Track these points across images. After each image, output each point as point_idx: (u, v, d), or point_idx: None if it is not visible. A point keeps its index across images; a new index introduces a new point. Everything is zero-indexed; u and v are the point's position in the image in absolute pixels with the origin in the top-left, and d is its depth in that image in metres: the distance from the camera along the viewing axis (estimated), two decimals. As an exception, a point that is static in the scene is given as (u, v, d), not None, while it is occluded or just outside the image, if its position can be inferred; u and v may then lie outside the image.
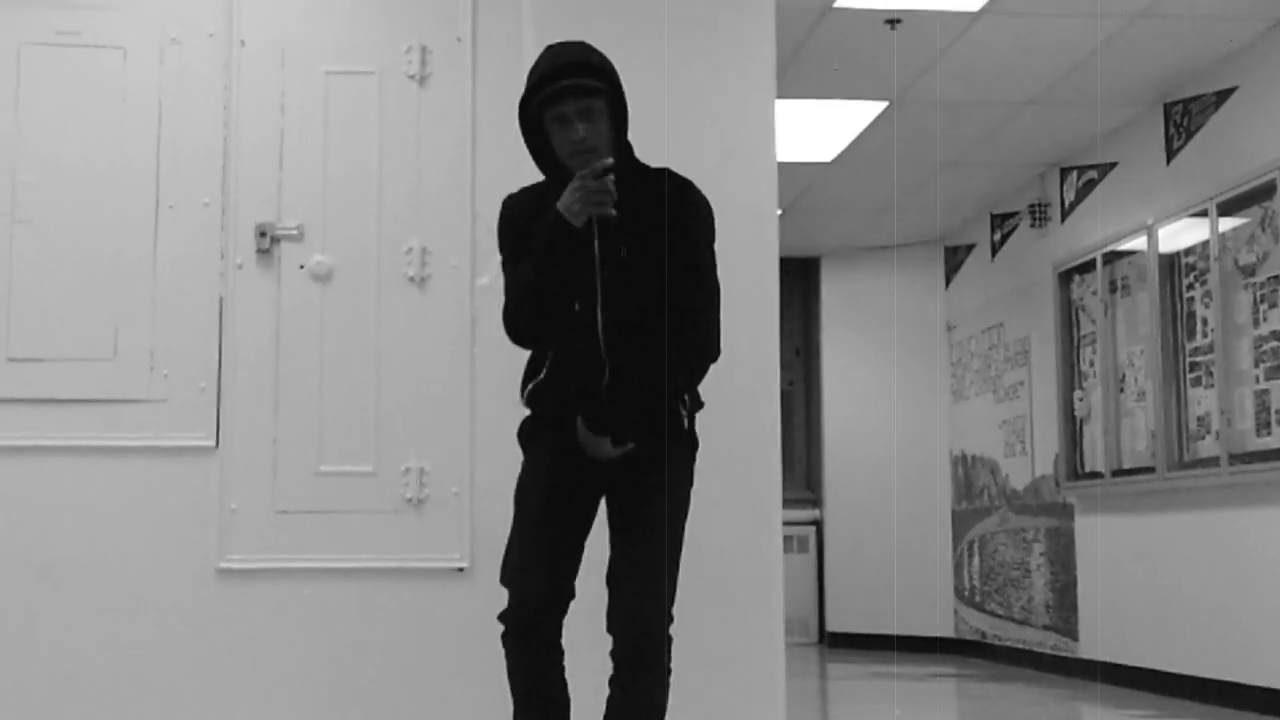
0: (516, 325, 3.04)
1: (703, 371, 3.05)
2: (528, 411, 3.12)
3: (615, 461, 2.97)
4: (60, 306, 4.38)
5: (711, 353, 3.04)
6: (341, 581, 4.36)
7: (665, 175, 3.04)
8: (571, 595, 2.99)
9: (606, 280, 2.96)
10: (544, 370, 3.04)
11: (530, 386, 3.06)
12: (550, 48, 3.01)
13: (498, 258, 3.17)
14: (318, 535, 4.36)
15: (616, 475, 2.99)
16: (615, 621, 2.91)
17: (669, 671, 2.93)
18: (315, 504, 4.38)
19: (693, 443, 3.07)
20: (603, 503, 3.07)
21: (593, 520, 3.05)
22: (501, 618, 2.99)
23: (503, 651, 2.99)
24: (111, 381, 4.38)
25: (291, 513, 4.38)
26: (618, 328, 2.96)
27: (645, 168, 3.05)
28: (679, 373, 2.98)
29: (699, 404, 3.08)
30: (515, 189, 3.18)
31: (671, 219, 2.97)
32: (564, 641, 3.01)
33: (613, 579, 2.95)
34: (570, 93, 2.90)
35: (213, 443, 4.38)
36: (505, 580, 3.01)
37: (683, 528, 3.01)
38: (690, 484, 3.06)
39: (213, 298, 4.43)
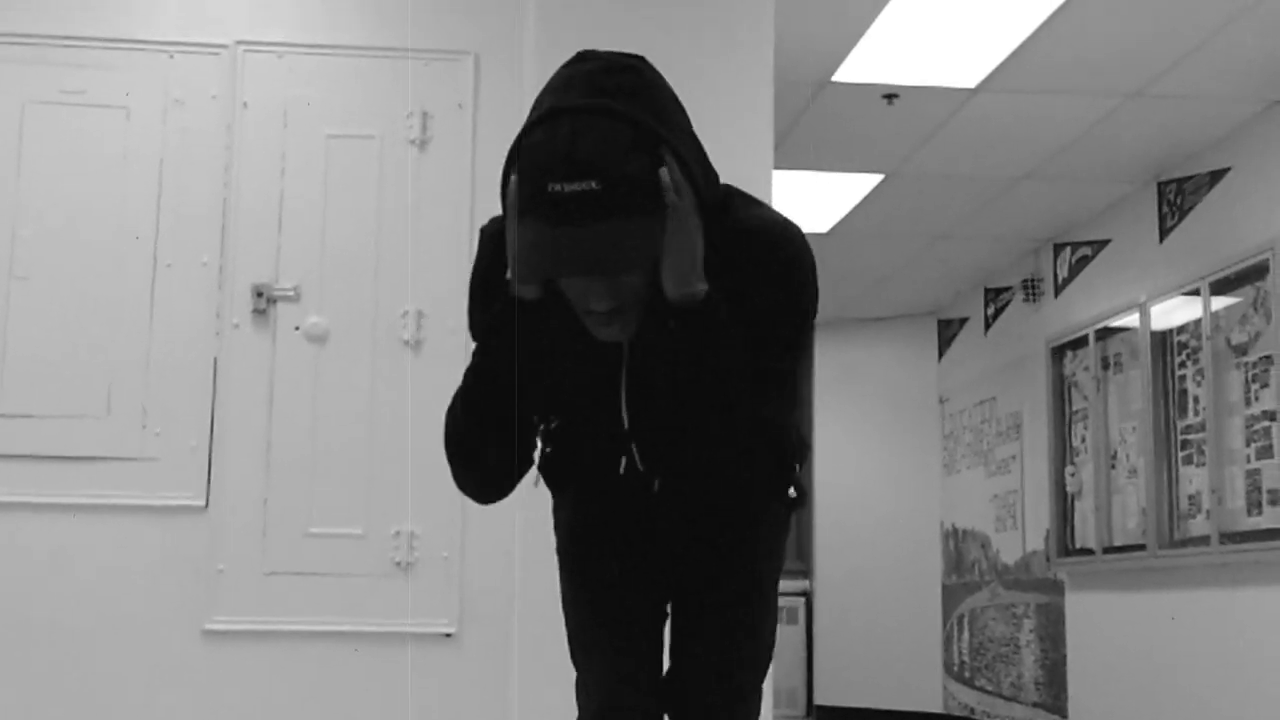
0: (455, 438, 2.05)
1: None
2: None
3: (686, 519, 2.14)
4: (54, 362, 4.38)
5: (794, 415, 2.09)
6: (329, 645, 4.33)
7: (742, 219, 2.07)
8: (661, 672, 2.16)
9: (634, 370, 2.05)
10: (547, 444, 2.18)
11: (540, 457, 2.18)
12: (574, 75, 1.89)
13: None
14: (306, 597, 4.34)
15: (688, 536, 2.15)
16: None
17: None
18: (304, 566, 4.36)
19: (790, 499, 2.15)
20: None
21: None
22: None
23: None
24: (103, 439, 4.37)
25: (280, 574, 4.36)
26: (657, 435, 2.06)
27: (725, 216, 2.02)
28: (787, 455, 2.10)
29: (803, 454, 2.16)
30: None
31: (766, 280, 2.01)
32: None
33: (677, 668, 2.13)
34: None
35: (203, 502, 4.37)
36: (580, 675, 2.15)
37: (774, 608, 2.20)
38: (784, 542, 2.22)
39: (207, 357, 4.43)
